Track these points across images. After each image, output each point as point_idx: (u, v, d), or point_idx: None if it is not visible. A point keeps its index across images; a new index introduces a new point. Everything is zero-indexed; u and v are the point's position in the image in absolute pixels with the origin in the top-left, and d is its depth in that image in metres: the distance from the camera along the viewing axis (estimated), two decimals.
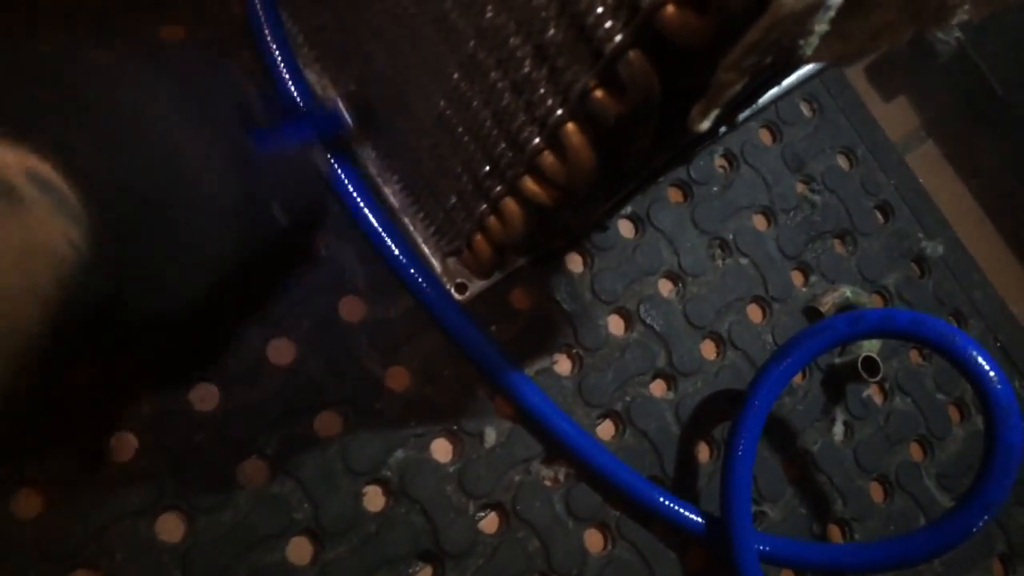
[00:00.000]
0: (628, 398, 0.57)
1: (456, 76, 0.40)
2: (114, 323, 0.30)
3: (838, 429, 0.61)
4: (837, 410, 0.62)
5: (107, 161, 0.28)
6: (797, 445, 0.60)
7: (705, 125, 0.28)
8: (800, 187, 0.66)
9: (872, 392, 0.63)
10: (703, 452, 0.58)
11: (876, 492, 0.62)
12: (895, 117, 0.74)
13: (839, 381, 0.62)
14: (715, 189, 0.63)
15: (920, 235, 0.69)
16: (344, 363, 0.51)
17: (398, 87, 0.46)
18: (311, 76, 0.54)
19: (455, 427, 0.52)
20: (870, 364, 0.59)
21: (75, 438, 0.45)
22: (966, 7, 0.26)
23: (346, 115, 0.50)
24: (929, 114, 0.75)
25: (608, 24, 0.28)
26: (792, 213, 0.65)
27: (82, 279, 0.26)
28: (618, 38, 0.28)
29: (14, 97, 0.28)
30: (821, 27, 0.24)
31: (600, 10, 0.28)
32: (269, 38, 0.52)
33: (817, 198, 0.66)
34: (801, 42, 0.25)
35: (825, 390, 0.62)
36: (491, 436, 0.52)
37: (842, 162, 0.69)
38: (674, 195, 0.63)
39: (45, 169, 0.25)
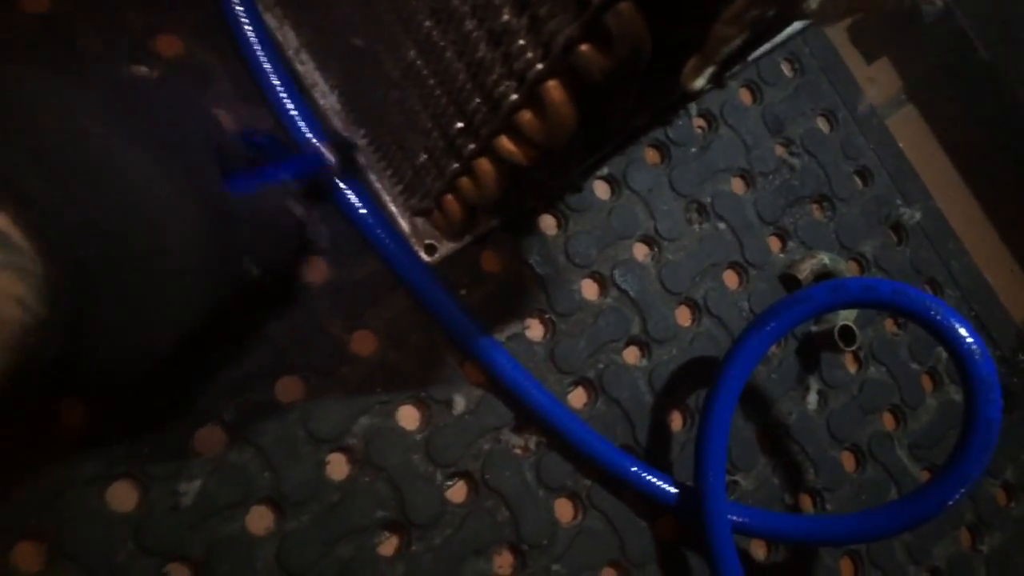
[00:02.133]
0: (601, 365, 0.55)
1: (428, 24, 0.37)
2: (69, 379, 0.28)
3: (812, 398, 0.60)
4: (812, 379, 0.61)
5: (64, 207, 0.26)
6: (771, 414, 0.59)
7: (700, 83, 0.26)
8: (779, 150, 0.65)
9: (847, 361, 0.62)
10: (676, 421, 0.56)
11: (848, 462, 0.61)
12: (877, 79, 0.72)
13: (814, 350, 0.61)
14: (693, 150, 0.62)
15: (899, 201, 0.68)
16: (306, 327, 0.49)
17: (364, 34, 0.43)
18: (271, 22, 0.51)
19: (422, 394, 0.50)
20: (847, 333, 0.58)
21: (21, 402, 0.43)
22: None
23: (328, 156, 0.47)
24: (911, 77, 0.73)
25: None
26: (771, 177, 0.63)
27: (32, 340, 0.25)
28: None
29: None
30: None
31: None
32: None
33: (796, 161, 0.65)
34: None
35: (800, 359, 0.61)
36: (460, 403, 0.51)
37: (822, 125, 0.67)
38: (651, 156, 0.61)
39: (2, 222, 0.23)
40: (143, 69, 0.49)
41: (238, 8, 0.49)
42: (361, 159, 0.51)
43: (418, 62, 0.40)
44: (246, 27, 0.49)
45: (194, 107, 0.38)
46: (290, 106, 0.49)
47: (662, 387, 0.56)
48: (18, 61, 0.47)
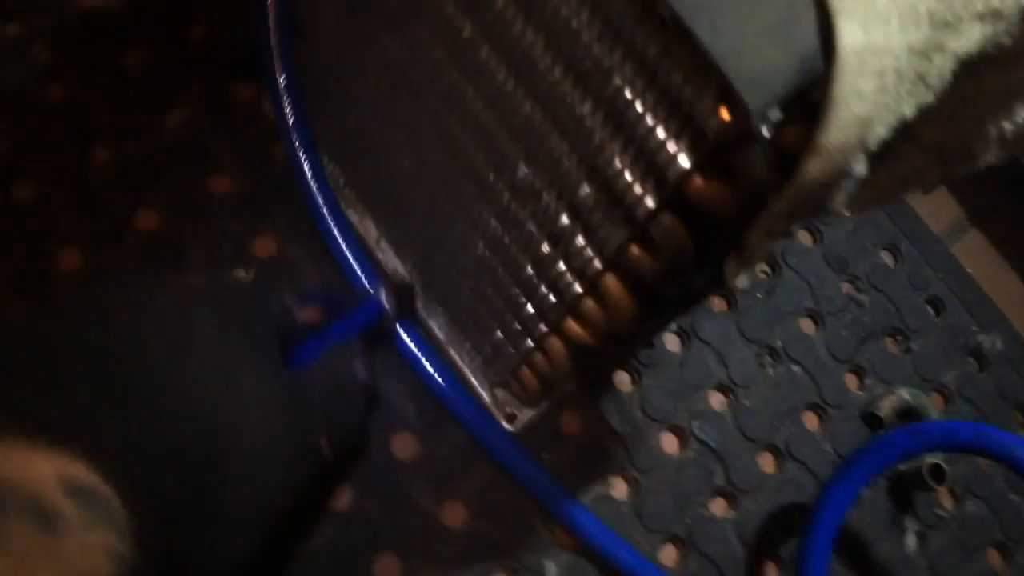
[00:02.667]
0: (689, 520, 0.55)
1: (493, 224, 0.40)
2: None
3: (910, 539, 0.59)
4: (907, 519, 0.59)
5: (145, 445, 0.27)
6: (870, 560, 0.58)
7: (742, 282, 0.28)
8: (846, 287, 0.66)
9: (941, 497, 0.61)
10: (772, 574, 0.56)
11: None
12: (936, 208, 0.73)
13: (906, 489, 0.60)
14: (759, 296, 0.63)
15: (975, 328, 0.67)
16: (399, 502, 0.51)
17: (437, 229, 0.47)
18: (353, 217, 0.55)
19: (515, 563, 0.51)
20: (936, 471, 0.57)
21: None
22: (991, 155, 0.27)
23: (386, 303, 0.49)
24: (971, 202, 0.74)
25: (638, 189, 0.29)
26: (840, 315, 0.64)
27: None
28: (648, 202, 0.29)
29: (38, 385, 0.26)
30: (848, 189, 0.24)
31: (629, 177, 0.29)
32: (312, 185, 0.54)
33: (864, 297, 0.65)
34: (828, 201, 0.25)
35: (892, 499, 0.60)
36: (552, 571, 0.51)
37: (886, 258, 0.68)
38: (718, 304, 0.63)
39: (80, 474, 0.24)
40: (241, 273, 0.54)
41: (324, 208, 0.54)
42: (421, 305, 0.54)
43: (487, 254, 0.43)
44: (331, 224, 0.54)
45: (252, 294, 0.39)
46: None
47: (753, 539, 0.56)
48: (130, 278, 0.52)
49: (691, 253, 0.29)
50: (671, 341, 0.60)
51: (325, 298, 0.49)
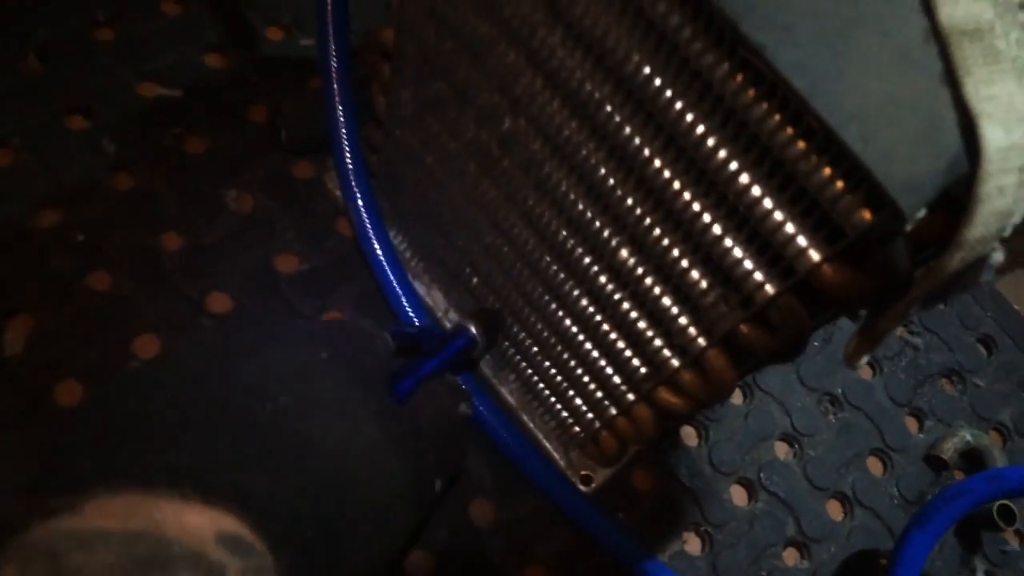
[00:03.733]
0: (764, 572, 0.56)
1: (583, 302, 0.41)
2: None
3: None
4: (977, 560, 0.60)
5: (284, 496, 0.28)
6: None
7: (862, 363, 0.29)
8: (900, 331, 0.67)
9: (1009, 538, 0.61)
10: None
11: None
12: None
13: (974, 530, 0.60)
14: (816, 344, 0.64)
15: None
16: (480, 569, 0.51)
17: (515, 303, 0.48)
18: (420, 288, 0.56)
19: None
20: (1005, 512, 0.58)
21: None
22: None
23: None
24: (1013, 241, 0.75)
25: (758, 277, 0.30)
26: (896, 359, 0.65)
27: None
28: (768, 289, 0.30)
29: (179, 441, 0.28)
30: (984, 274, 0.25)
31: (749, 266, 0.30)
32: (382, 260, 0.55)
33: (918, 340, 0.66)
34: (964, 286, 0.26)
35: (960, 541, 0.60)
36: None
37: None
38: None
39: (232, 526, 0.26)
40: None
41: (393, 280, 0.55)
42: (492, 372, 0.55)
43: (572, 329, 0.44)
44: (401, 296, 0.55)
45: (357, 334, 0.40)
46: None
47: None
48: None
49: (809, 330, 0.30)
50: (734, 393, 0.61)
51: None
